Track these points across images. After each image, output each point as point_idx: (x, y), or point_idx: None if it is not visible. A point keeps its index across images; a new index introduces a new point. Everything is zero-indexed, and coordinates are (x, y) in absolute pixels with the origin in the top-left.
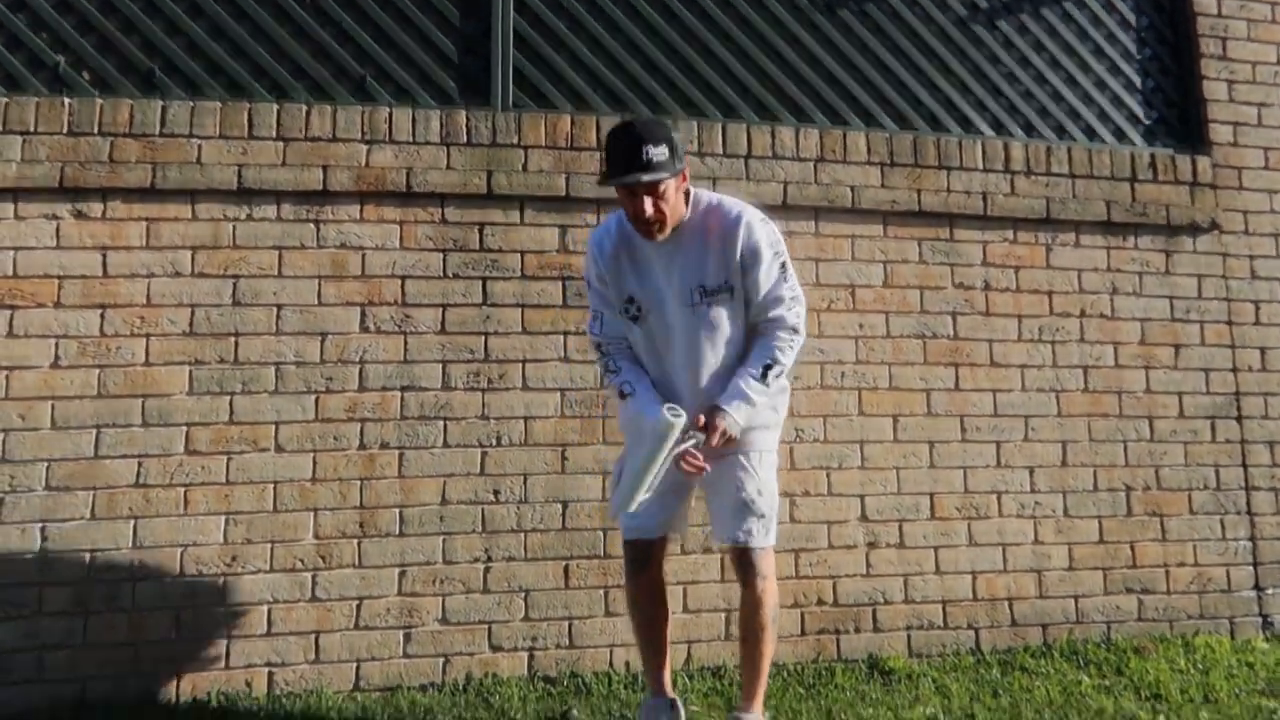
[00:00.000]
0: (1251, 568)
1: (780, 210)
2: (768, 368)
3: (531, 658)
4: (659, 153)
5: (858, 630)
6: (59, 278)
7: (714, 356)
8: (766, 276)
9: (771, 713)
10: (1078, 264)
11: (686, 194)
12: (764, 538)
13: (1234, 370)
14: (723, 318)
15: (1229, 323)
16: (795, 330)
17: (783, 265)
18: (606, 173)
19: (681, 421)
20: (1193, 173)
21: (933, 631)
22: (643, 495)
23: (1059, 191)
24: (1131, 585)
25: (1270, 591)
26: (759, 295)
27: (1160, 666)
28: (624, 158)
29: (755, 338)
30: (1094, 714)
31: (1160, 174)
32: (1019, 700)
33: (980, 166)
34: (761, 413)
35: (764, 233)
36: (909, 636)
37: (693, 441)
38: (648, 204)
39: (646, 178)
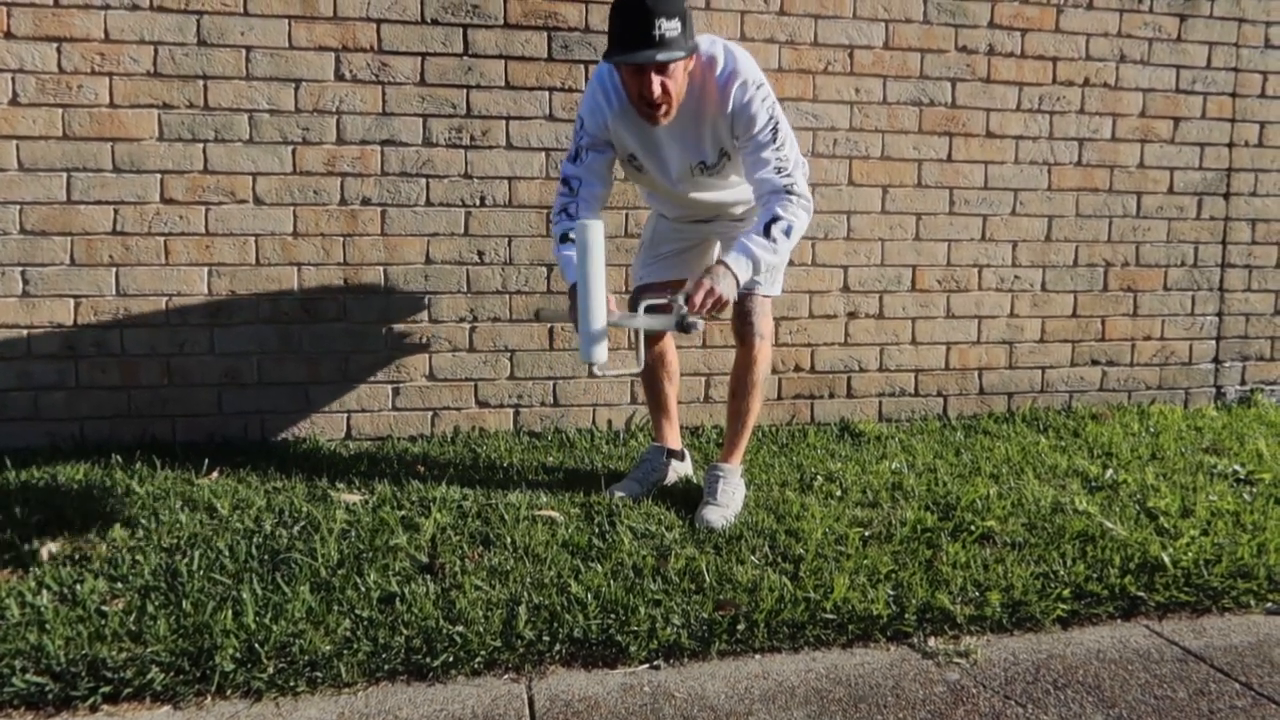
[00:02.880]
0: (1214, 342)
1: None
2: (770, 224)
3: (517, 414)
4: (672, 28)
5: (832, 396)
6: (7, 4)
7: (718, 206)
8: (758, 144)
9: (746, 465)
10: (1088, 28)
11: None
12: (769, 286)
13: (1230, 145)
14: (727, 175)
15: (1233, 95)
16: (789, 191)
17: (774, 130)
18: (612, 48)
19: (599, 225)
20: None
21: (903, 399)
22: (598, 325)
23: None
24: (1097, 358)
25: (1227, 364)
26: (750, 160)
27: (1114, 430)
28: (634, 33)
29: (756, 206)
30: (1048, 468)
31: None
32: (979, 457)
33: None
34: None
35: (757, 97)
36: (880, 403)
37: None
38: (655, 85)
39: (661, 57)
